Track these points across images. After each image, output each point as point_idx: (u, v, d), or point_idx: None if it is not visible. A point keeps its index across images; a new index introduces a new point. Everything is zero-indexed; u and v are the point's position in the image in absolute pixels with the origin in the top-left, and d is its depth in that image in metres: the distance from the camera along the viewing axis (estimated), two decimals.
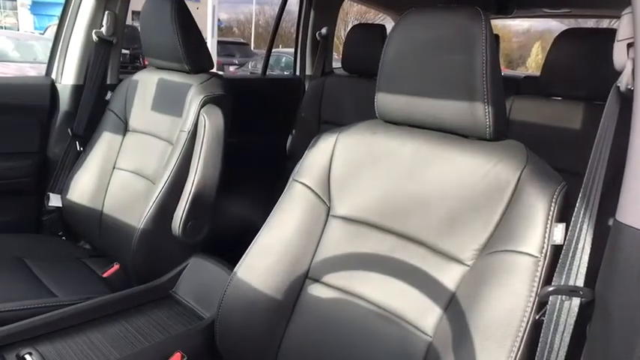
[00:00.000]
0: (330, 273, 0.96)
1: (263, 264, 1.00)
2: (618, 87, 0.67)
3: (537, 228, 0.75)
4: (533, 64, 22.82)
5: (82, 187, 1.66)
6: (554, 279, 0.70)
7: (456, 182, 0.86)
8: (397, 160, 0.94)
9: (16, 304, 1.19)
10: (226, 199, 1.58)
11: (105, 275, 1.39)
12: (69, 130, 1.79)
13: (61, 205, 1.71)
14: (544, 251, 0.74)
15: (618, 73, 0.67)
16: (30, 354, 0.97)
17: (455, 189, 0.86)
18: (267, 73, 2.87)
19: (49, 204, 1.72)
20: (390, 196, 0.93)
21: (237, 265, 1.03)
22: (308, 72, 2.77)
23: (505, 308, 0.74)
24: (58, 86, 1.84)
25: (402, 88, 0.94)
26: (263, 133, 2.47)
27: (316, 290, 0.97)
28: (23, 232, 1.74)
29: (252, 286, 0.99)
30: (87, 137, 1.75)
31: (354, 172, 0.99)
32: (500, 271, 0.76)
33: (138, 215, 1.41)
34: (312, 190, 1.02)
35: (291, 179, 1.06)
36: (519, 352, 0.71)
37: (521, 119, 1.66)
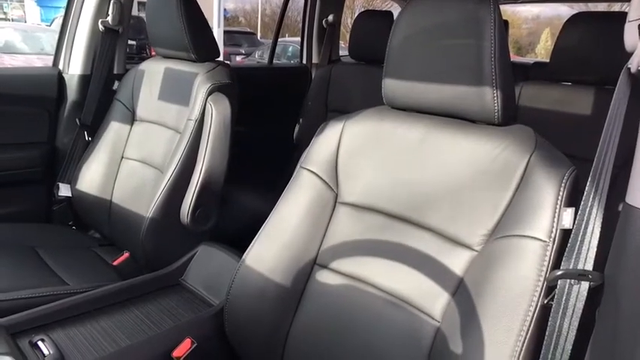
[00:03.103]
0: (338, 259, 0.96)
1: (271, 251, 1.01)
2: (629, 68, 0.66)
3: (546, 212, 0.74)
4: (543, 50, 22.55)
5: (90, 177, 1.67)
6: (562, 263, 0.70)
7: (463, 167, 0.86)
8: (404, 146, 0.94)
9: (28, 292, 1.21)
10: (234, 188, 1.58)
11: (115, 263, 1.40)
12: (77, 120, 1.80)
13: (70, 195, 1.72)
14: (553, 236, 0.73)
15: (629, 57, 0.66)
16: (42, 340, 0.98)
17: (463, 174, 0.85)
18: (274, 62, 2.86)
19: (59, 194, 1.74)
20: (398, 182, 0.93)
21: (246, 253, 1.03)
22: (315, 60, 2.76)
23: (513, 293, 0.73)
24: (65, 76, 1.84)
25: (409, 73, 0.93)
26: (270, 122, 2.47)
27: (324, 277, 0.97)
28: (34, 222, 1.76)
29: (260, 274, 0.99)
30: (95, 127, 1.76)
31: (362, 159, 0.99)
32: (508, 256, 0.76)
33: (146, 204, 1.42)
34: (320, 177, 1.02)
35: (298, 167, 1.06)
36: (527, 337, 0.71)
37: (531, 105, 1.64)
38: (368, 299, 0.90)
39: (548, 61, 1.70)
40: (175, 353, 1.00)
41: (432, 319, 0.83)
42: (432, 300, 0.84)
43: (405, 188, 0.92)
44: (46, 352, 0.96)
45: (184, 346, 1.00)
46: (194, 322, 1.09)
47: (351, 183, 0.99)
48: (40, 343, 0.98)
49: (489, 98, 0.84)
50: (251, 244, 1.04)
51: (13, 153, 1.74)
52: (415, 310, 0.85)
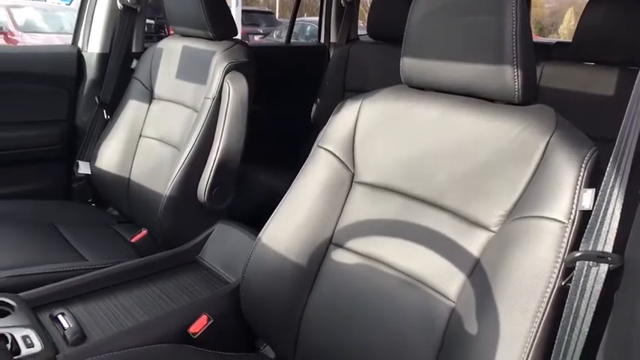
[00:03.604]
0: (353, 239, 0.96)
1: (286, 230, 1.01)
2: None
3: (565, 193, 0.73)
4: (566, 31, 21.99)
5: (109, 155, 1.69)
6: (581, 245, 0.69)
7: (482, 147, 0.84)
8: (422, 125, 0.93)
9: (48, 267, 1.23)
10: (251, 167, 1.59)
11: (133, 240, 1.43)
12: (96, 99, 1.82)
13: (89, 173, 1.75)
14: (572, 217, 0.72)
15: None
16: (63, 314, 1.01)
17: (481, 153, 0.84)
18: (292, 41, 2.84)
19: (78, 172, 1.76)
20: (415, 162, 0.92)
21: (262, 232, 1.04)
22: (333, 39, 2.73)
23: (530, 274, 0.73)
24: (85, 54, 1.85)
25: (427, 52, 0.92)
26: (287, 102, 2.46)
27: (340, 256, 0.97)
28: (54, 199, 1.79)
29: (275, 252, 1.00)
30: (114, 105, 1.77)
31: (379, 138, 0.98)
32: (526, 237, 0.75)
33: (164, 182, 1.44)
34: (336, 156, 1.01)
35: (315, 146, 1.06)
36: (544, 318, 0.70)
37: (552, 86, 1.61)
38: (383, 279, 0.90)
39: (570, 41, 1.65)
40: (192, 329, 1.02)
41: (447, 299, 0.82)
42: (448, 280, 0.83)
43: (422, 168, 0.91)
44: (66, 325, 0.98)
45: (201, 322, 1.02)
46: (210, 299, 1.11)
47: (367, 162, 0.99)
48: (60, 317, 1.00)
49: (510, 77, 0.82)
50: (267, 222, 1.04)
51: (33, 131, 1.77)
52: (430, 291, 0.85)
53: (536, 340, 0.70)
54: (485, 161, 0.83)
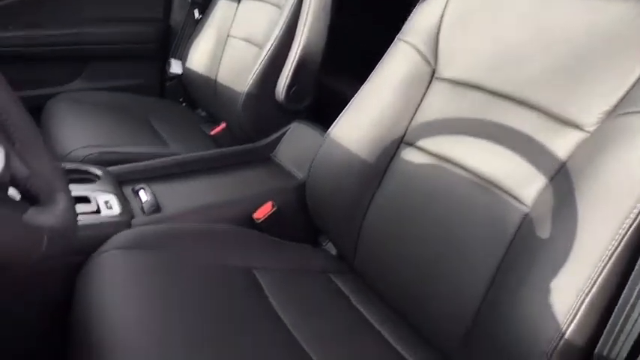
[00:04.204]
0: (427, 138, 0.90)
1: (358, 126, 0.97)
2: None
3: None
4: None
5: (199, 55, 1.72)
6: None
7: (588, 33, 0.72)
8: (516, 13, 0.82)
9: (135, 149, 1.32)
10: (332, 72, 1.54)
11: (213, 133, 1.47)
12: None
13: (181, 72, 1.80)
14: None
15: None
16: (143, 189, 1.06)
17: (585, 41, 0.72)
18: None
19: (170, 71, 1.82)
20: (504, 55, 0.82)
21: (332, 126, 1.01)
22: None
23: (623, 180, 0.63)
24: None
25: None
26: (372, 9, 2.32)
27: (410, 155, 0.92)
28: (148, 96, 1.88)
29: (344, 148, 0.97)
30: (205, 4, 1.78)
31: (466, 30, 0.88)
32: (627, 137, 0.64)
33: (246, 79, 1.44)
34: (418, 50, 0.94)
35: (396, 39, 0.99)
36: (628, 233, 0.61)
37: None
38: (452, 181, 0.84)
39: None
40: (256, 215, 1.04)
41: (522, 204, 0.75)
42: (526, 184, 0.75)
43: (512, 61, 0.81)
44: (144, 198, 1.04)
45: (265, 209, 1.04)
46: (277, 190, 1.12)
47: (451, 56, 0.90)
48: (140, 192, 1.06)
49: None
50: (338, 117, 1.01)
51: (130, 28, 1.83)
52: (503, 195, 0.78)
53: (612, 259, 0.61)
54: (590, 50, 0.72)
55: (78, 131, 1.39)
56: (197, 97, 1.82)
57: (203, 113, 1.88)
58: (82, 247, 0.86)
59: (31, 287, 0.87)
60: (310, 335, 0.79)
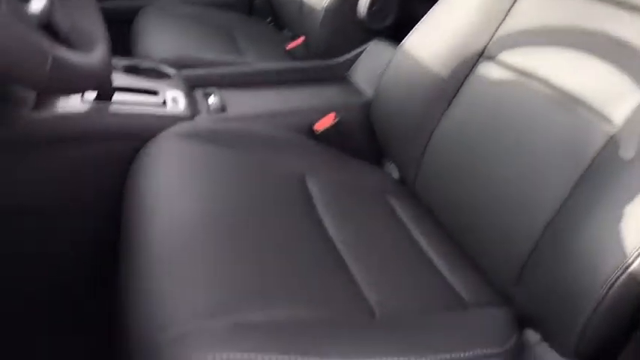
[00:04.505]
0: (509, 50, 0.81)
1: (433, 39, 0.90)
2: None
3: None
4: None
5: None
6: None
7: None
8: None
9: (210, 55, 1.33)
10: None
11: (289, 47, 1.43)
12: None
13: None
14: None
15: None
16: (212, 93, 1.07)
17: None
18: None
19: None
20: None
21: (405, 39, 0.93)
22: None
23: None
24: None
25: None
26: None
27: (489, 70, 0.83)
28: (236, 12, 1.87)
29: (416, 62, 0.90)
30: None
31: None
32: None
33: None
34: None
35: None
36: None
37: None
38: (533, 96, 0.75)
39: None
40: (317, 126, 1.00)
41: (610, 123, 0.65)
42: (618, 102, 0.65)
43: None
44: (211, 102, 1.04)
45: (327, 120, 1.00)
46: (342, 105, 1.08)
47: None
48: (209, 96, 1.06)
49: None
50: (411, 30, 0.92)
51: None
52: (589, 114, 0.67)
53: None
54: None
55: (163, 37, 1.41)
56: (283, 15, 1.78)
57: (290, 34, 1.83)
58: (144, 135, 0.88)
59: (87, 168, 0.90)
60: (355, 253, 0.73)
